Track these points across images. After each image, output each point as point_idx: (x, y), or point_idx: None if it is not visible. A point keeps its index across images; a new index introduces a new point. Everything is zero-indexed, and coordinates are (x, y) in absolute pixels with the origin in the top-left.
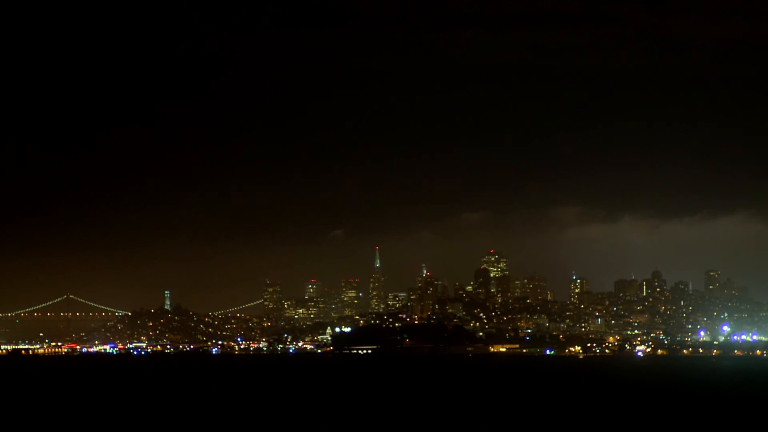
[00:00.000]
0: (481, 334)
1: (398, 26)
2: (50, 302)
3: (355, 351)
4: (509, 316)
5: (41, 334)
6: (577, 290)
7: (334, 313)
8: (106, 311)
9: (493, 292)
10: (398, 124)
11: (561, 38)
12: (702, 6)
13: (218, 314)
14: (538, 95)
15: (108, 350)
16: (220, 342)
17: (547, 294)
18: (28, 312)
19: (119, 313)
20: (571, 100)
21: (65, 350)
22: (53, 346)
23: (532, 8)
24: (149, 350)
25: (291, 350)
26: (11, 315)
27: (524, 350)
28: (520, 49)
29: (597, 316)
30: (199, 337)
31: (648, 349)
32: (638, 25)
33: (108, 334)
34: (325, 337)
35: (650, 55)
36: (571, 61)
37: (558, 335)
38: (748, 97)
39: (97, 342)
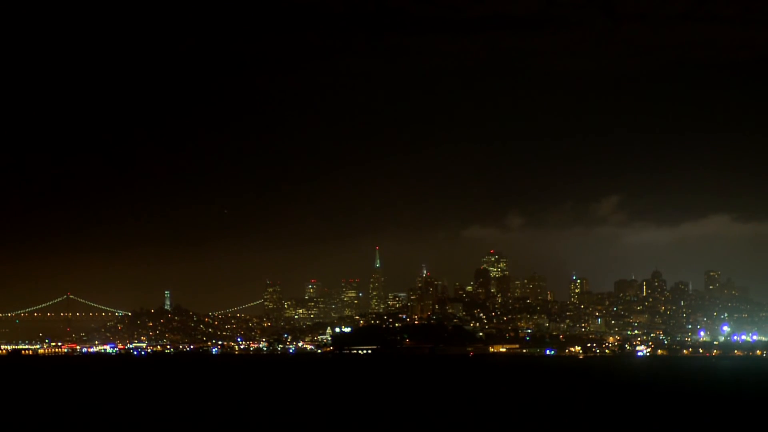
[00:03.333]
0: (481, 334)
1: (358, 31)
2: (50, 302)
3: (355, 351)
4: (509, 316)
5: (41, 334)
6: (577, 290)
7: (334, 313)
8: (106, 311)
9: (493, 292)
10: (396, 125)
11: (520, 42)
12: (654, 12)
13: (218, 314)
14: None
15: (108, 350)
16: (220, 342)
17: (547, 294)
18: (28, 312)
19: (119, 313)
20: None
21: (65, 350)
22: (53, 346)
23: (489, 12)
24: (149, 350)
25: (291, 350)
26: (11, 315)
27: (524, 350)
28: (479, 53)
29: (597, 316)
30: (199, 337)
31: (648, 349)
32: (595, 29)
33: (108, 334)
34: (325, 337)
35: (608, 58)
36: (531, 65)
37: (558, 335)
38: (725, 99)
39: (97, 342)
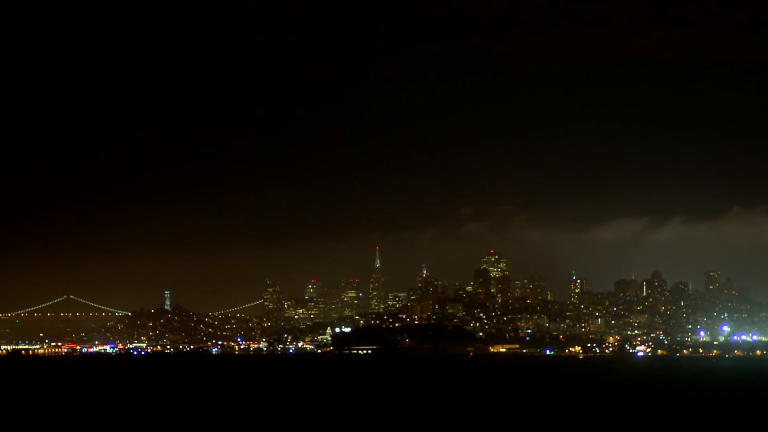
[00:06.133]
0: (481, 334)
1: (325, 34)
2: (50, 302)
3: (355, 351)
4: (509, 316)
5: (41, 334)
6: (577, 290)
7: (334, 314)
8: (106, 311)
9: (493, 292)
10: (394, 125)
11: (485, 45)
12: (619, 15)
13: (218, 314)
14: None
15: (108, 350)
16: (220, 342)
17: (547, 294)
18: (28, 312)
19: (119, 313)
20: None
21: (65, 350)
22: (53, 346)
23: (454, 15)
24: (149, 350)
25: (291, 350)
26: (11, 315)
27: (524, 350)
28: (447, 56)
29: (597, 316)
30: (199, 337)
31: (648, 350)
32: (561, 33)
33: (108, 335)
34: (325, 337)
35: (576, 61)
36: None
37: (558, 335)
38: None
39: (97, 342)
